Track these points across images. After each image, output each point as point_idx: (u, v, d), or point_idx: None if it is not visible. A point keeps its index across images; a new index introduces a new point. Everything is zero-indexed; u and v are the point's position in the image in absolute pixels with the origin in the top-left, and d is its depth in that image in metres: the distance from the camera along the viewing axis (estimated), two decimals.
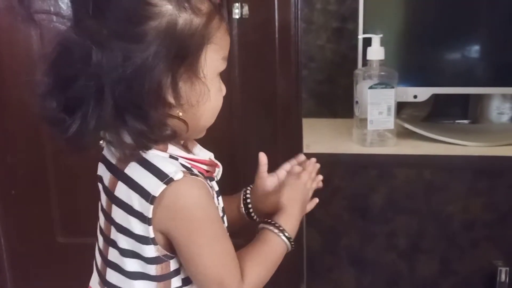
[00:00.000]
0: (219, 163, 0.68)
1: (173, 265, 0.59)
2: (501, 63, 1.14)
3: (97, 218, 1.87)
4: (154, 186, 0.54)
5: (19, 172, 1.70)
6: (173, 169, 0.55)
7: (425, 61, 1.15)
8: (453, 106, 1.36)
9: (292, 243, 0.66)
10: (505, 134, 1.14)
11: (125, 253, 0.59)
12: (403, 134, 1.17)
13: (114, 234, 0.60)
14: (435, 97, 1.19)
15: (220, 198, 0.65)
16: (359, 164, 0.92)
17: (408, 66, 1.15)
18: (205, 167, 0.63)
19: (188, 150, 0.63)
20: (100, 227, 0.65)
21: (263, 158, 0.73)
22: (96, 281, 0.67)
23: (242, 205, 0.75)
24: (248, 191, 0.76)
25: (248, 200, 0.75)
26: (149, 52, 0.51)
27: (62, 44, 0.54)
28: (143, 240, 0.57)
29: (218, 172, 0.67)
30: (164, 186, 0.54)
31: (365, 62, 1.12)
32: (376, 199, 1.00)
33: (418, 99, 1.14)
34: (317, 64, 1.45)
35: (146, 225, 0.56)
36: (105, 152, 0.62)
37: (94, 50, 0.51)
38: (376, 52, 1.04)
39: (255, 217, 0.75)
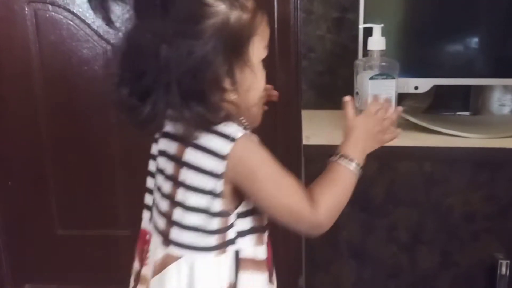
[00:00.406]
0: None
1: (230, 220, 0.68)
2: (503, 54, 1.13)
3: (97, 209, 1.85)
4: (222, 146, 0.64)
5: (16, 163, 1.69)
6: (234, 130, 0.65)
7: (426, 52, 1.14)
8: (454, 98, 1.36)
9: (360, 166, 0.72)
10: (506, 126, 1.13)
11: (194, 209, 0.67)
12: (403, 125, 1.15)
13: (183, 195, 0.68)
14: (436, 88, 1.18)
15: None
16: None
17: (409, 57, 1.14)
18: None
19: None
20: (161, 193, 0.72)
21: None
22: (158, 242, 0.73)
23: None
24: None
25: None
26: (208, 46, 0.61)
27: (132, 41, 0.63)
28: (213, 194, 0.66)
29: None
30: (231, 144, 0.64)
31: (366, 52, 1.11)
32: (377, 191, 0.99)
33: (419, 90, 1.12)
34: (317, 55, 1.44)
35: (216, 181, 0.65)
36: (168, 128, 0.69)
37: (162, 47, 0.60)
38: (377, 42, 1.02)
39: None
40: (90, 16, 1.57)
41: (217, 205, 0.67)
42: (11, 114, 1.65)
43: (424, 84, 1.12)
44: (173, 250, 0.70)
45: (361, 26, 1.10)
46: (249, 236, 0.71)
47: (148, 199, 0.80)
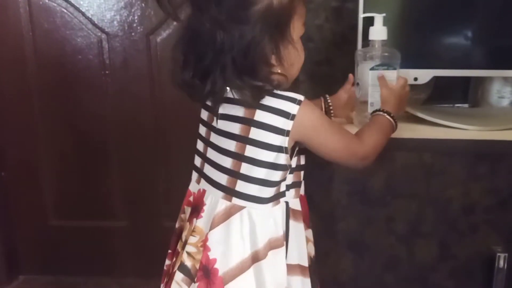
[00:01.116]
0: None
1: (288, 173, 0.81)
2: (503, 45, 1.11)
3: (91, 200, 1.84)
4: (291, 107, 0.75)
5: (9, 152, 1.67)
6: (296, 95, 0.76)
7: (426, 43, 1.12)
8: (453, 90, 1.34)
9: (396, 121, 0.91)
10: (506, 118, 1.12)
11: (262, 164, 0.77)
12: (403, 117, 1.14)
13: (253, 151, 0.77)
14: (435, 80, 1.17)
15: None
16: None
17: (409, 47, 1.12)
18: None
19: None
20: (223, 151, 0.80)
21: (351, 77, 1.06)
22: (218, 196, 0.81)
23: (323, 107, 1.04)
24: (328, 98, 1.05)
25: (330, 102, 1.04)
26: (256, 29, 0.71)
27: (192, 29, 0.75)
28: (280, 149, 0.76)
29: None
30: (298, 106, 0.75)
31: (365, 43, 1.09)
32: (375, 183, 0.98)
33: (419, 82, 1.11)
34: (316, 45, 1.42)
35: (284, 137, 0.75)
36: (230, 95, 0.77)
37: (218, 33, 0.72)
38: (378, 32, 1.00)
39: (332, 116, 1.04)
40: (84, 4, 1.54)
41: (282, 159, 0.77)
42: (4, 103, 1.62)
43: (424, 75, 1.11)
44: (237, 201, 0.79)
45: (362, 15, 1.08)
46: (292, 190, 0.82)
47: (197, 161, 0.89)
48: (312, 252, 0.91)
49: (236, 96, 0.76)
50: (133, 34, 1.55)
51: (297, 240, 0.84)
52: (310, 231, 0.90)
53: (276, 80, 0.76)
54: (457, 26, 1.12)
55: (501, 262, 0.98)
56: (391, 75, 0.98)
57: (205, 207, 0.82)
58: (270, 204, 0.80)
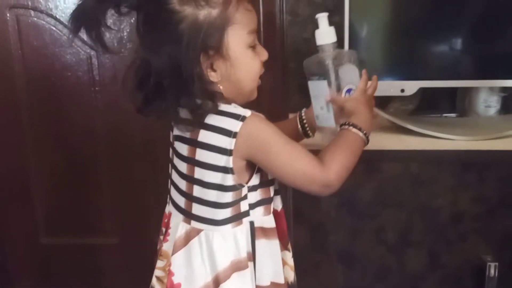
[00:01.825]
0: None
1: (243, 192, 0.75)
2: (488, 55, 1.13)
3: (82, 216, 1.82)
4: (233, 124, 0.70)
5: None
6: (242, 110, 0.71)
7: (413, 54, 1.14)
8: (441, 100, 1.36)
9: (366, 134, 0.79)
10: (492, 128, 1.13)
11: (209, 185, 0.74)
12: (390, 128, 1.15)
13: (200, 172, 0.74)
14: (422, 90, 1.18)
15: None
16: None
17: (395, 59, 1.14)
18: None
19: None
20: (179, 174, 0.79)
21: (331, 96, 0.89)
22: (179, 220, 0.79)
23: (299, 124, 0.93)
24: (303, 113, 0.94)
25: (304, 120, 0.93)
26: (185, 47, 0.68)
27: (135, 58, 0.73)
28: (225, 170, 0.72)
29: None
30: (241, 122, 0.70)
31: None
32: (364, 194, 0.99)
33: (406, 93, 1.12)
34: (303, 57, 1.43)
35: (227, 157, 0.71)
36: (182, 115, 0.75)
37: (152, 58, 0.70)
38: (326, 34, 0.84)
39: (310, 134, 0.93)
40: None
41: (230, 180, 0.73)
42: None
43: (411, 87, 1.12)
44: (195, 225, 0.77)
45: (317, 16, 0.88)
46: (259, 208, 0.77)
47: (168, 183, 0.86)
48: (290, 278, 0.84)
49: (185, 115, 0.74)
50: (122, 50, 1.56)
51: (270, 258, 0.79)
52: (287, 254, 0.84)
53: (218, 97, 0.72)
54: (443, 37, 1.13)
55: (492, 271, 0.99)
56: (322, 85, 0.84)
57: (170, 230, 0.81)
58: (229, 225, 0.76)
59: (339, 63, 0.82)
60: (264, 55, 0.77)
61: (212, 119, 0.72)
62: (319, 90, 0.84)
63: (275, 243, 0.79)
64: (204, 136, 0.72)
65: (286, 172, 0.73)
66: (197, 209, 0.76)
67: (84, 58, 1.56)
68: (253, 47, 0.74)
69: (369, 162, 0.95)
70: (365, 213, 0.98)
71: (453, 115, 1.35)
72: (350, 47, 1.12)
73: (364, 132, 0.79)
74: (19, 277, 1.74)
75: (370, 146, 1.03)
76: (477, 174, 0.97)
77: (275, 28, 1.47)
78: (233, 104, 0.74)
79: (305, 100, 1.47)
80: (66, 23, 1.54)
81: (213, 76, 0.72)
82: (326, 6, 1.38)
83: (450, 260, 1.00)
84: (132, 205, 1.67)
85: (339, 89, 0.82)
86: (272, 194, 0.80)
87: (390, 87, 1.11)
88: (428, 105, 1.35)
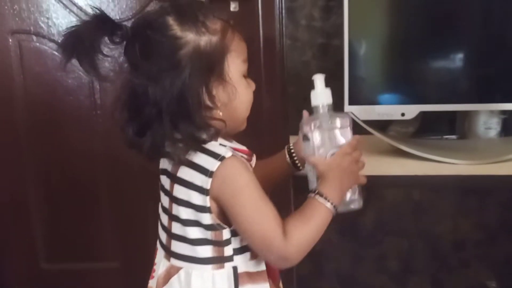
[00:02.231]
0: (254, 154, 0.80)
1: (225, 235, 0.71)
2: (487, 79, 1.13)
3: (82, 241, 1.81)
4: (211, 163, 0.68)
5: None
6: (223, 150, 0.69)
7: (412, 78, 1.14)
8: (441, 122, 1.36)
9: (335, 206, 0.72)
10: (493, 151, 1.13)
11: (187, 223, 0.71)
12: (391, 152, 1.15)
13: (176, 209, 0.72)
14: (422, 113, 1.18)
15: None
16: None
17: (396, 83, 1.14)
18: (245, 156, 0.75)
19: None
20: (163, 208, 0.78)
21: (306, 114, 0.83)
22: (162, 256, 0.77)
23: (287, 157, 0.88)
24: (291, 146, 0.89)
25: (293, 151, 0.88)
26: (186, 73, 0.67)
27: (126, 86, 0.71)
28: (202, 209, 0.69)
29: (253, 161, 0.79)
30: (219, 162, 0.68)
31: (352, 78, 1.11)
32: (365, 220, 0.98)
33: (406, 117, 1.13)
34: (303, 81, 1.43)
35: (204, 196, 0.68)
36: (168, 149, 0.73)
37: (150, 86, 0.67)
38: (321, 95, 0.81)
39: (300, 166, 0.87)
40: None
41: (207, 219, 0.70)
42: None
43: (411, 111, 1.12)
44: (174, 262, 0.74)
45: (314, 77, 0.84)
46: (246, 253, 0.73)
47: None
48: None
49: (169, 150, 0.70)
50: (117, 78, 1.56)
51: None
52: None
53: (215, 125, 0.70)
54: (442, 61, 1.14)
55: None
56: (308, 146, 0.78)
57: (155, 266, 0.80)
58: (210, 266, 0.72)
59: (330, 126, 0.77)
60: (253, 85, 0.77)
61: (193, 156, 0.70)
62: (306, 151, 0.78)
63: (264, 286, 0.74)
64: (183, 172, 0.71)
65: (246, 228, 0.69)
66: (176, 246, 0.73)
67: (86, 82, 1.57)
68: (245, 76, 0.74)
69: (370, 188, 0.94)
70: (367, 240, 0.98)
71: (453, 137, 1.35)
72: (350, 72, 1.13)
73: (331, 201, 0.71)
74: None
75: (371, 171, 1.03)
76: (478, 200, 0.96)
77: (275, 52, 1.47)
78: (219, 141, 0.72)
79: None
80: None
81: (213, 103, 0.70)
82: (325, 30, 1.39)
83: (453, 287, 0.98)
84: (132, 229, 1.66)
85: (325, 152, 0.76)
86: None
87: (390, 111, 1.12)
88: (428, 128, 1.35)
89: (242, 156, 0.73)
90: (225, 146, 0.72)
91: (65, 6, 1.53)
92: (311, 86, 1.48)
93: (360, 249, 0.99)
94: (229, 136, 0.77)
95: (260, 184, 0.77)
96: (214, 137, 0.70)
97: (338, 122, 0.77)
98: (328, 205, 0.71)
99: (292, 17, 1.41)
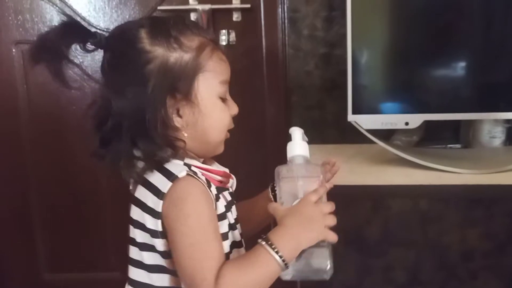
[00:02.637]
0: (232, 175, 0.76)
1: None
2: (491, 88, 1.13)
3: (84, 252, 1.79)
4: (163, 184, 0.63)
5: (2, 206, 1.65)
6: (178, 169, 0.64)
7: (416, 87, 1.14)
8: (445, 131, 1.36)
9: (284, 260, 0.62)
10: (498, 160, 1.13)
11: (143, 247, 0.66)
12: (395, 161, 1.14)
13: (132, 231, 0.68)
14: (426, 122, 1.18)
15: (233, 208, 0.72)
16: (353, 195, 0.89)
17: (399, 92, 1.14)
18: (218, 177, 0.71)
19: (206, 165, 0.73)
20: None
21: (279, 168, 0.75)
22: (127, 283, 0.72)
23: (270, 194, 0.82)
24: (275, 184, 0.81)
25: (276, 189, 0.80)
26: (150, 88, 0.64)
27: (95, 97, 0.68)
28: (154, 234, 0.64)
29: (233, 183, 0.76)
30: (171, 183, 0.63)
31: (356, 88, 1.10)
32: (371, 231, 0.97)
33: (410, 126, 1.12)
34: (306, 90, 1.44)
35: (156, 220, 0.64)
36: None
37: (113, 97, 0.64)
38: (298, 147, 0.74)
39: None
40: (78, 56, 1.56)
41: (161, 245, 0.65)
42: None
43: (415, 120, 1.12)
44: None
45: (291, 129, 0.79)
46: None
47: None
48: None
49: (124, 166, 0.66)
50: (85, 85, 1.56)
51: None
52: None
53: (178, 146, 0.66)
54: (446, 70, 1.14)
55: None
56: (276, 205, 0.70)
57: None
58: None
59: (299, 175, 0.70)
60: (234, 109, 0.72)
61: (149, 174, 0.65)
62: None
63: None
64: (139, 191, 0.66)
65: (178, 259, 0.62)
66: (133, 272, 0.69)
67: (89, 92, 1.57)
68: (223, 99, 0.70)
69: (376, 198, 0.94)
70: (373, 251, 0.97)
71: (457, 146, 1.35)
72: (353, 81, 1.12)
73: (280, 252, 0.61)
74: None
75: (376, 181, 1.03)
76: (485, 209, 0.96)
77: (277, 62, 1.48)
78: (185, 160, 0.67)
79: (307, 133, 1.47)
80: (71, 58, 1.56)
81: (178, 122, 0.66)
82: (328, 40, 1.39)
83: None
84: None
85: (290, 202, 0.68)
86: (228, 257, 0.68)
87: (394, 120, 1.11)
88: (432, 137, 1.35)
89: (206, 180, 0.66)
90: (189, 166, 0.66)
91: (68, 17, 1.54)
92: (314, 95, 1.49)
93: (366, 259, 0.98)
94: (205, 157, 0.72)
95: (244, 223, 0.74)
96: (173, 157, 0.65)
97: (308, 172, 0.70)
98: (275, 255, 0.61)
99: (295, 27, 1.41)
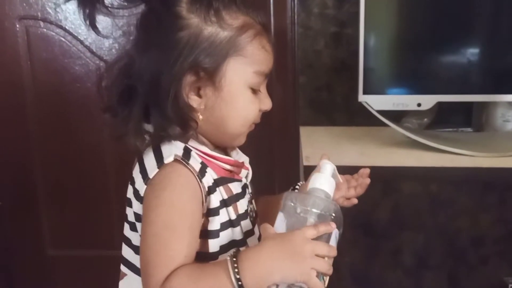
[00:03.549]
0: (249, 167, 0.71)
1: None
2: (506, 70, 1.10)
3: (89, 228, 1.79)
4: (151, 168, 0.60)
5: (7, 182, 1.64)
6: (168, 154, 0.60)
7: (430, 68, 1.11)
8: (456, 114, 1.33)
9: (241, 284, 0.53)
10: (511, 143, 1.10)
11: (132, 226, 0.64)
12: (406, 143, 1.12)
13: (127, 209, 0.65)
14: (438, 105, 1.15)
15: (242, 201, 0.66)
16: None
17: (412, 73, 1.11)
18: (228, 166, 0.66)
19: (224, 152, 0.69)
20: None
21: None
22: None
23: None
24: (298, 186, 0.79)
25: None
26: (174, 57, 0.59)
27: (123, 56, 0.64)
28: (138, 217, 0.61)
29: (247, 174, 0.70)
30: (157, 169, 0.59)
31: (366, 70, 1.07)
32: (380, 214, 0.95)
33: (422, 107, 1.09)
34: (315, 71, 1.40)
35: (139, 203, 0.61)
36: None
37: (138, 58, 0.61)
38: (326, 183, 0.64)
39: None
40: (82, 32, 1.54)
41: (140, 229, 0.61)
42: (1, 132, 1.60)
43: (428, 101, 1.09)
44: (122, 267, 0.67)
45: (324, 162, 0.69)
46: None
47: None
48: None
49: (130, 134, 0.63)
50: (112, 36, 1.53)
51: None
52: None
53: (192, 126, 0.61)
54: (459, 51, 1.10)
55: None
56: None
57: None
58: None
59: (306, 213, 0.60)
60: (266, 104, 0.66)
61: (146, 153, 0.62)
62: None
63: None
64: (135, 171, 0.63)
65: (140, 247, 0.58)
66: (124, 249, 0.66)
67: (93, 70, 1.55)
68: (255, 90, 0.64)
69: (386, 180, 0.92)
70: (382, 234, 0.95)
71: (469, 129, 1.32)
72: (365, 60, 1.09)
73: (239, 278, 0.53)
74: None
75: (386, 163, 1.00)
76: (498, 194, 0.93)
77: (286, 41, 1.44)
78: (190, 142, 0.62)
79: (316, 114, 1.45)
80: (75, 35, 1.53)
81: (195, 101, 0.61)
82: (339, 19, 1.36)
83: (470, 284, 0.95)
84: None
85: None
86: (210, 249, 0.62)
87: (406, 101, 1.08)
88: (444, 120, 1.32)
89: (218, 166, 0.63)
90: (189, 150, 0.61)
91: None
92: (323, 75, 1.46)
93: (374, 242, 0.96)
94: (221, 146, 0.68)
95: (262, 219, 0.67)
96: (181, 136, 0.61)
97: (324, 211, 0.59)
98: (233, 277, 0.53)
99: (305, 5, 1.37)
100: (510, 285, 0.94)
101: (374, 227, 0.94)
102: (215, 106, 0.62)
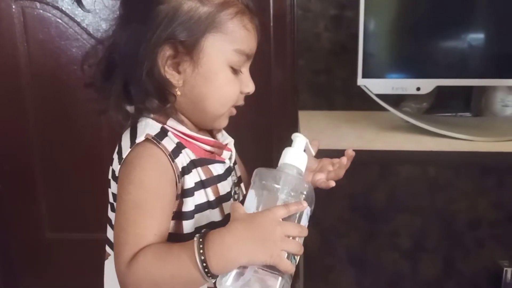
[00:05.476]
0: (232, 148, 0.70)
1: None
2: (506, 54, 1.09)
3: (87, 211, 1.80)
4: (126, 149, 0.60)
5: (4, 165, 1.64)
6: (141, 134, 0.60)
7: (429, 51, 1.10)
8: (455, 98, 1.32)
9: (207, 269, 0.52)
10: (510, 128, 1.10)
11: (112, 207, 0.65)
12: (404, 128, 1.12)
13: (109, 191, 0.66)
14: (437, 89, 1.14)
15: (224, 182, 0.67)
16: (360, 161, 0.87)
17: (411, 56, 1.10)
18: (207, 147, 0.66)
19: (210, 134, 0.69)
20: None
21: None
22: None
23: None
24: None
25: None
26: (153, 32, 0.59)
27: (108, 35, 0.64)
28: (114, 196, 0.62)
29: (230, 156, 0.70)
30: (130, 149, 0.60)
31: (367, 51, 1.07)
32: (378, 197, 0.96)
33: (421, 92, 1.09)
34: (314, 54, 1.39)
35: (115, 183, 0.61)
36: None
37: (119, 31, 0.62)
38: (296, 157, 0.61)
39: None
40: (79, 14, 1.52)
41: None
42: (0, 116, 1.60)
43: (427, 85, 1.08)
44: (107, 247, 0.69)
45: (295, 135, 0.66)
46: None
47: None
48: None
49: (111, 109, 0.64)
50: (94, 9, 1.52)
51: None
52: None
53: (164, 100, 0.61)
54: (459, 35, 1.09)
55: (509, 276, 0.95)
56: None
57: None
58: None
59: (285, 189, 0.58)
60: (249, 86, 0.65)
61: (124, 133, 0.63)
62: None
63: None
64: (116, 151, 0.63)
65: (115, 225, 0.58)
66: (108, 230, 0.67)
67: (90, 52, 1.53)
68: (236, 70, 0.63)
69: (384, 163, 0.92)
70: (379, 217, 0.95)
71: (467, 114, 1.32)
72: (364, 43, 1.08)
73: (204, 259, 0.52)
74: (24, 271, 1.73)
75: (385, 147, 1.00)
76: (496, 178, 0.93)
77: (285, 23, 1.43)
78: (169, 121, 0.62)
79: (315, 98, 1.44)
80: (72, 16, 1.51)
81: (173, 76, 0.61)
82: (339, 1, 1.34)
83: (466, 267, 0.96)
84: None
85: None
86: (184, 231, 0.62)
87: (405, 85, 1.08)
88: (442, 104, 1.32)
89: (198, 147, 0.63)
90: (166, 130, 0.62)
91: None
92: (322, 58, 1.45)
93: (372, 225, 0.96)
94: (203, 127, 0.67)
95: None
96: (158, 110, 0.62)
97: (296, 188, 0.58)
98: (198, 259, 0.52)
99: None
100: (505, 268, 0.95)
101: (372, 210, 0.95)
102: (194, 82, 0.62)
